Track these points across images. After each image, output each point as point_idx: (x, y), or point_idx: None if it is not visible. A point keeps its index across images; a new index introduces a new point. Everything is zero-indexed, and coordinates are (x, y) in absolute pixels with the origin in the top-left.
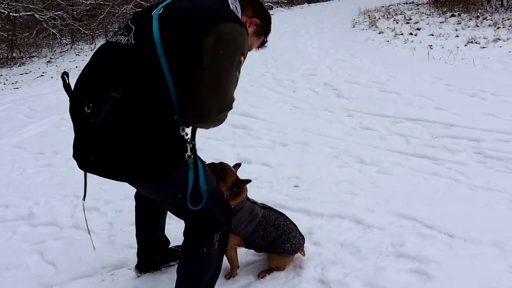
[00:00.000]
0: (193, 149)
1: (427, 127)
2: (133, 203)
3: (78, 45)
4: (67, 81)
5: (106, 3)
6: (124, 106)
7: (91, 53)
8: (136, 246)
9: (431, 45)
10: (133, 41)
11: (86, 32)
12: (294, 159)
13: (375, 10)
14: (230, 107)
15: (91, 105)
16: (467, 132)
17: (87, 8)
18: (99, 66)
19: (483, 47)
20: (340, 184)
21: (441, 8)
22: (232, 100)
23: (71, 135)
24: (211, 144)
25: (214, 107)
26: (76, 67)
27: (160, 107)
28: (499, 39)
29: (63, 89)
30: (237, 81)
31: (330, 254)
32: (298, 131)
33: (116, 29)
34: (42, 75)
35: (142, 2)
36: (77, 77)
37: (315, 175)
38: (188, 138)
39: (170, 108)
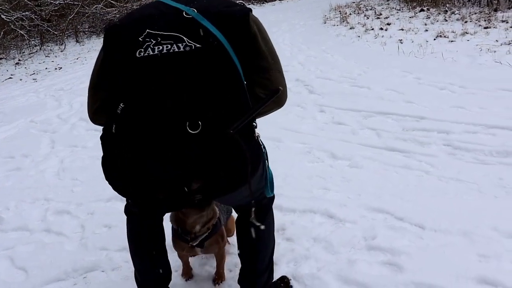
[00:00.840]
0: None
1: (398, 121)
2: (105, 204)
3: (47, 46)
4: (113, 128)
5: (75, 3)
6: (227, 112)
7: (61, 54)
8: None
9: (401, 40)
10: (197, 45)
11: (55, 32)
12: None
13: (346, 6)
14: None
15: (200, 122)
16: (437, 125)
17: (56, 8)
18: (164, 81)
19: (452, 41)
20: (312, 179)
21: (411, 3)
22: None
23: (41, 137)
24: None
25: (285, 85)
26: (46, 68)
27: (244, 103)
28: (466, 33)
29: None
30: None
31: (303, 249)
32: (271, 128)
33: (141, 41)
34: (10, 78)
35: (113, 2)
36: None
37: (287, 171)
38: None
39: (247, 101)
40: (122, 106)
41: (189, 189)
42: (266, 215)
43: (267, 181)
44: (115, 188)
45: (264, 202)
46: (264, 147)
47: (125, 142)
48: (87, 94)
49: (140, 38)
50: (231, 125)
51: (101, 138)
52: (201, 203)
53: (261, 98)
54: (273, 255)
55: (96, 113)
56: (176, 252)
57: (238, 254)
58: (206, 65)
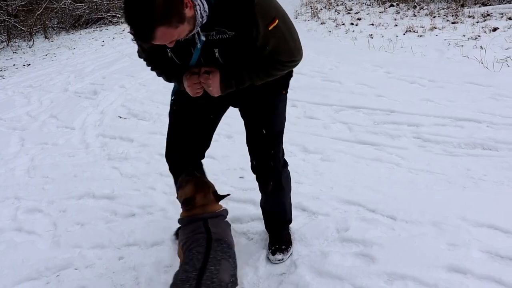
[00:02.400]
0: None
1: (369, 114)
2: (77, 202)
3: (15, 42)
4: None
5: None
6: None
7: (30, 50)
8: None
9: (371, 35)
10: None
11: (23, 28)
12: (239, 151)
13: (316, 1)
14: None
15: None
16: (407, 118)
17: (23, 3)
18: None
19: (421, 36)
20: None
21: None
22: None
23: (10, 135)
24: (155, 139)
25: None
26: (14, 65)
27: None
28: (435, 27)
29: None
30: None
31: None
32: (243, 123)
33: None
34: None
35: None
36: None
37: None
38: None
39: None
40: None
41: None
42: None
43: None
44: None
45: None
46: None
47: None
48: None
49: None
50: None
51: None
52: None
53: None
54: None
55: None
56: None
57: None
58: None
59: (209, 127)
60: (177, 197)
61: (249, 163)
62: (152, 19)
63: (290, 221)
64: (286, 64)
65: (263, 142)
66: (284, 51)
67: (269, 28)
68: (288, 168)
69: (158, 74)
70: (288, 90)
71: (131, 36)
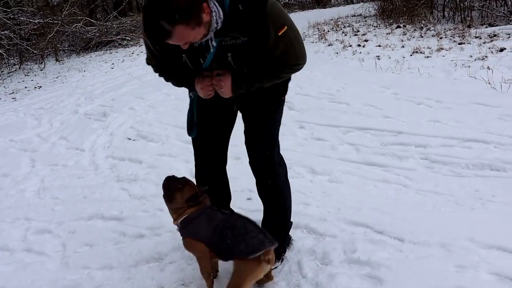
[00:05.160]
0: None
1: (376, 136)
2: (86, 223)
3: (27, 64)
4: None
5: (55, 21)
6: None
7: (41, 73)
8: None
9: (378, 56)
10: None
11: (35, 51)
12: (247, 172)
13: (324, 23)
14: None
15: None
16: (414, 139)
17: (35, 27)
18: None
19: (428, 57)
20: (292, 195)
21: (387, 20)
22: None
23: (21, 156)
24: (164, 161)
25: None
26: (26, 87)
27: None
28: (442, 48)
29: None
30: None
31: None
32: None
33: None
34: None
35: (92, 21)
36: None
37: None
38: None
39: None
40: None
41: None
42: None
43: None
44: None
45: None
46: None
47: None
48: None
49: None
50: None
51: None
52: None
53: None
54: None
55: None
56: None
57: None
58: None
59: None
60: (167, 201)
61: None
62: (173, 16)
63: (289, 228)
64: (292, 67)
65: (259, 144)
66: (291, 55)
67: (279, 34)
68: (296, 189)
69: (167, 79)
70: (297, 112)
71: (143, 45)
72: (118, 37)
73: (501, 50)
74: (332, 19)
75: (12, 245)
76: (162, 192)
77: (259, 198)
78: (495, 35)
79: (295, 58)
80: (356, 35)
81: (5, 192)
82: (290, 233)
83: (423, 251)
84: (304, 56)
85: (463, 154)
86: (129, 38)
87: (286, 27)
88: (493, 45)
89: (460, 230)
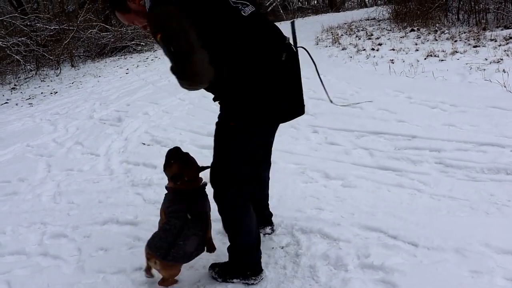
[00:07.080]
0: None
1: (390, 140)
2: (101, 227)
3: (43, 70)
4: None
5: (70, 28)
6: None
7: (57, 78)
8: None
9: (392, 60)
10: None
11: (51, 57)
12: None
13: (337, 27)
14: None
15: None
16: (429, 143)
17: (51, 33)
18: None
19: (442, 60)
20: (306, 199)
21: (401, 24)
22: None
23: (37, 162)
24: None
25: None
26: (42, 93)
27: None
28: (456, 51)
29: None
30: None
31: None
32: None
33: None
34: (6, 102)
35: (107, 26)
36: None
37: (281, 192)
38: None
39: None
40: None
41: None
42: None
43: None
44: (278, 108)
45: None
46: None
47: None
48: (85, 120)
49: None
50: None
51: (268, 64)
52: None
53: None
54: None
55: None
56: None
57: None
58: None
59: None
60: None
61: (271, 190)
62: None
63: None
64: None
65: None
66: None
67: (157, 38)
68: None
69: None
70: (310, 116)
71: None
72: (133, 42)
73: None
74: (345, 23)
75: (28, 249)
76: None
77: (273, 203)
78: (510, 38)
79: (172, 69)
80: (369, 39)
81: (22, 197)
82: (304, 237)
83: (437, 256)
84: (181, 73)
85: (478, 158)
86: (143, 44)
87: (159, 35)
88: (508, 47)
89: (475, 235)
